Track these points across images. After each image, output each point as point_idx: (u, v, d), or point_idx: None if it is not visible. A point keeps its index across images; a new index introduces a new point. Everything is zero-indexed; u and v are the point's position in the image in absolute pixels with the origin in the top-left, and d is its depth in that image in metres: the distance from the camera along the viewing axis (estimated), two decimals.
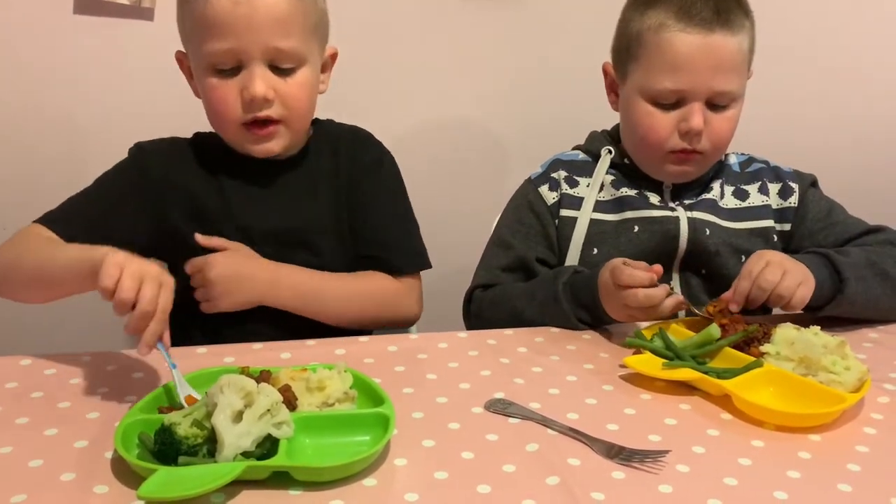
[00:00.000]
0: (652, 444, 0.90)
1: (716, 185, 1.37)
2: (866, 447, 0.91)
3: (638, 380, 1.04)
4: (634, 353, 1.09)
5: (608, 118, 1.40)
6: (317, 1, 1.21)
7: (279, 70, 1.17)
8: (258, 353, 1.11)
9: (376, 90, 1.75)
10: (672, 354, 1.07)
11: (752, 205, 1.36)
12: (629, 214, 1.33)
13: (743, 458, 0.88)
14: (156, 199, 1.22)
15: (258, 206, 1.24)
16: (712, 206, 1.34)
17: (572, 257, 1.34)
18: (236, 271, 1.18)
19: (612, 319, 1.19)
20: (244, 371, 0.93)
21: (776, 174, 1.39)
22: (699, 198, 1.35)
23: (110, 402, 0.96)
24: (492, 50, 1.78)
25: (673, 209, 1.33)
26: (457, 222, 1.84)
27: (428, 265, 1.31)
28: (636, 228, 1.32)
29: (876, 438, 0.93)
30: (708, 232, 1.32)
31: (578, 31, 1.77)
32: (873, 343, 1.18)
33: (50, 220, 1.17)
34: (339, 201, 1.28)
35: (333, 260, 1.26)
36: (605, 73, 1.38)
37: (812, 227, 1.35)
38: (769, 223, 1.36)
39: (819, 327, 1.06)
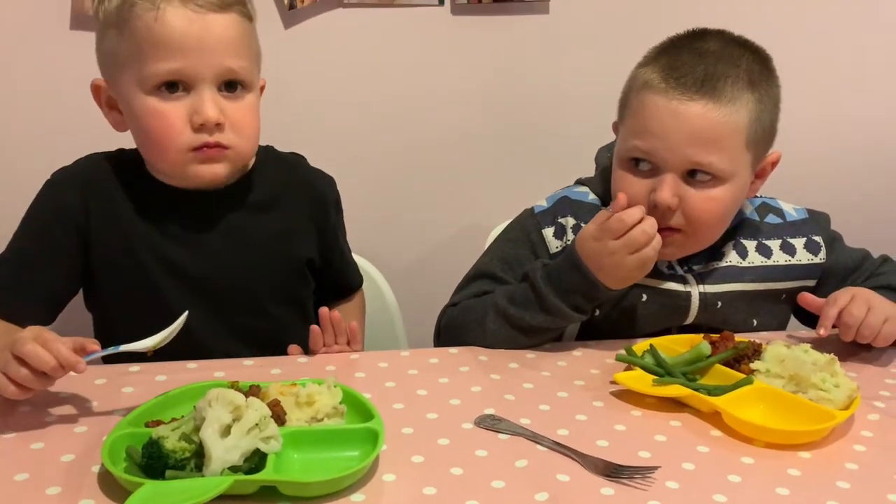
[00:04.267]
0: (642, 460, 0.90)
1: (729, 248, 1.26)
2: (856, 464, 0.91)
3: (628, 396, 1.04)
4: (625, 370, 1.09)
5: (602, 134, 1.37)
6: (255, 32, 1.19)
7: (227, 95, 1.13)
8: (248, 368, 1.11)
9: (364, 108, 1.75)
10: (662, 371, 1.07)
11: (776, 263, 1.28)
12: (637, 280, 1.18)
13: (733, 474, 0.88)
14: (78, 238, 1.17)
15: (195, 247, 1.20)
16: (730, 275, 1.25)
17: None
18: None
19: (609, 293, 1.13)
20: (234, 385, 0.93)
21: (795, 228, 1.30)
22: (711, 265, 1.25)
23: (98, 416, 0.96)
24: (479, 68, 1.78)
25: (684, 280, 1.24)
26: (448, 240, 1.85)
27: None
28: (644, 297, 1.22)
29: (865, 456, 0.93)
30: (719, 305, 1.25)
31: (569, 50, 1.78)
32: (863, 360, 1.18)
33: None
34: (293, 234, 1.26)
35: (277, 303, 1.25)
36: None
37: (839, 280, 1.30)
38: (793, 284, 1.28)
39: (809, 345, 1.06)
